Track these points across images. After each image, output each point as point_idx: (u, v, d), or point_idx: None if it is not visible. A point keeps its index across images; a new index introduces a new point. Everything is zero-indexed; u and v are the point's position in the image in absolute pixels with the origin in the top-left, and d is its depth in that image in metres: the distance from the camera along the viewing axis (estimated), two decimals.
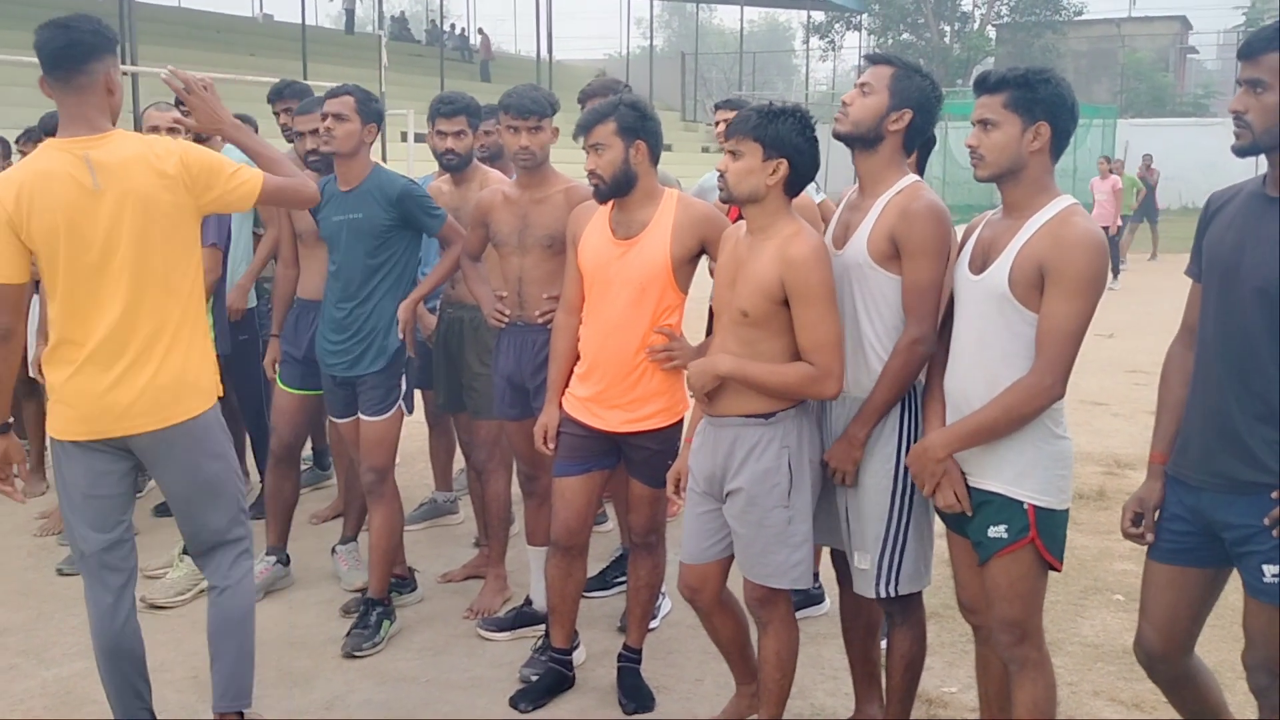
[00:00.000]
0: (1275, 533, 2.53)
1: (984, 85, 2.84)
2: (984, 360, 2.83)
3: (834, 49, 41.69)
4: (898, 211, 3.00)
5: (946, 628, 4.23)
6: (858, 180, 3.16)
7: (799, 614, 4.29)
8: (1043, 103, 2.77)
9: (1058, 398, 2.75)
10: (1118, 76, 39.00)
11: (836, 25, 41.51)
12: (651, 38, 42.00)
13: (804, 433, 3.14)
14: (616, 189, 3.50)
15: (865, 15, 40.68)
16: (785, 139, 3.03)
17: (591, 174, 3.51)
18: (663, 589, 4.27)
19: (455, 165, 4.54)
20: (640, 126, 3.49)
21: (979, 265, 2.86)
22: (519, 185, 4.10)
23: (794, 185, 3.09)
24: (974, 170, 2.86)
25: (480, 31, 35.25)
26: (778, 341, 3.08)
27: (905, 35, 41.00)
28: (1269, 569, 2.57)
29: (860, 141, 3.07)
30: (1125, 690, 3.84)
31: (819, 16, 40.87)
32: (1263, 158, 2.61)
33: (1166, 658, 2.89)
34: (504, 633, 4.28)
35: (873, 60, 3.13)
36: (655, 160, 3.55)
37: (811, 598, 4.43)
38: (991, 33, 40.44)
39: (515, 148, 3.95)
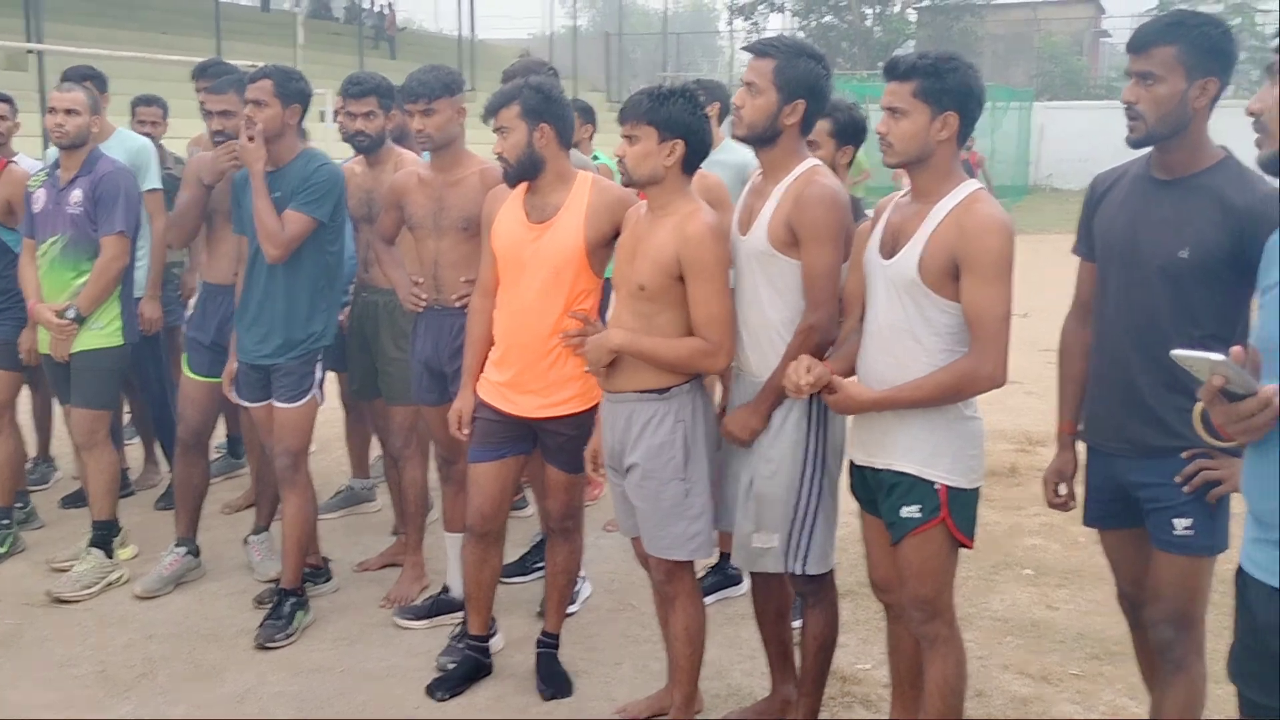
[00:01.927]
0: (1186, 489, 2.68)
1: (894, 72, 2.83)
2: (894, 343, 2.86)
3: (758, 30, 41.67)
4: (793, 198, 3.03)
5: (861, 606, 4.29)
6: (761, 167, 3.19)
7: (717, 595, 4.35)
8: (951, 92, 2.78)
9: (999, 384, 2.75)
10: (1034, 60, 39.60)
11: (760, 7, 41.50)
12: (575, 17, 41.70)
13: (699, 407, 3.23)
14: (522, 172, 3.47)
15: None
16: (679, 120, 3.09)
17: (499, 157, 3.48)
18: (581, 573, 4.26)
19: (366, 147, 4.47)
20: (545, 109, 3.45)
21: (889, 250, 2.88)
22: (433, 167, 4.04)
23: (690, 163, 3.15)
24: (883, 156, 2.88)
25: (389, 6, 34.06)
26: (672, 314, 3.15)
27: (828, 17, 41.16)
28: (1179, 522, 2.72)
29: (759, 141, 3.11)
30: (1034, 663, 3.93)
31: None
32: None
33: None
34: (421, 621, 4.24)
35: (752, 52, 3.12)
36: (565, 144, 3.52)
37: (730, 578, 4.46)
38: (912, 16, 40.82)
39: (414, 130, 3.93)
